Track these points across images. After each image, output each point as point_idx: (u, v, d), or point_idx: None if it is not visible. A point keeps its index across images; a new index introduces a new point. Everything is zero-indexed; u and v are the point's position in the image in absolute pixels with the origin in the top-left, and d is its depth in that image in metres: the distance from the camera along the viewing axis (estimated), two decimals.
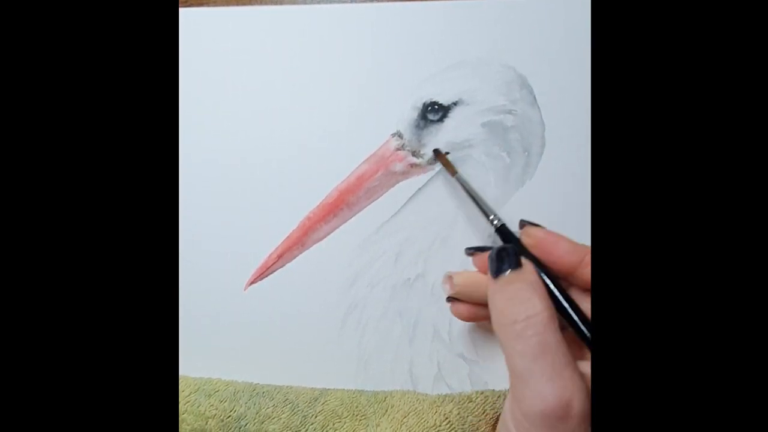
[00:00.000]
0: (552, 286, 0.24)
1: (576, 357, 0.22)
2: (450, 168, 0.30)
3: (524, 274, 0.23)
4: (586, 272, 0.24)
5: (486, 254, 0.25)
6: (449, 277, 0.27)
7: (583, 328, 0.23)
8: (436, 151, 0.31)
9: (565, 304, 0.24)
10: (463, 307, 0.27)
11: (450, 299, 0.28)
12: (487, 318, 0.24)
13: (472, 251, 0.27)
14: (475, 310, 0.27)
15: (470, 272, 0.27)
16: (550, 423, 0.20)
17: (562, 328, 0.22)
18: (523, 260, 0.24)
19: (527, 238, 0.26)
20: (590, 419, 0.20)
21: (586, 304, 0.25)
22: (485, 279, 0.25)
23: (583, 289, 0.25)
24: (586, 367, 0.23)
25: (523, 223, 0.26)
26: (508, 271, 0.23)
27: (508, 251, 0.24)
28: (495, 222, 0.27)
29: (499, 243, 0.28)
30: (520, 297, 0.22)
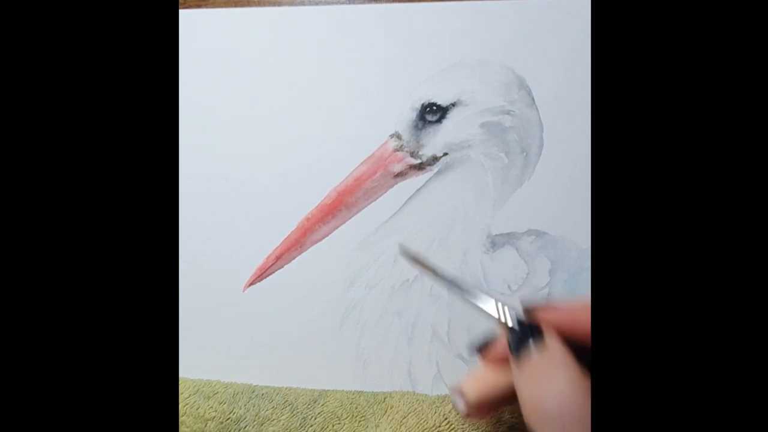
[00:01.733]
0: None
1: None
2: (428, 271, 0.26)
3: (551, 354, 0.21)
4: None
5: (497, 351, 0.23)
6: (459, 392, 0.24)
7: None
8: (407, 253, 0.27)
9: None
10: (473, 410, 0.24)
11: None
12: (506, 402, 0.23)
13: (480, 348, 0.24)
14: (485, 410, 0.25)
15: (477, 375, 0.24)
16: None
17: None
18: (546, 335, 0.21)
19: (538, 319, 0.22)
20: None
21: None
22: (496, 376, 0.23)
23: None
24: None
25: (528, 309, 0.23)
26: (536, 353, 0.21)
27: (529, 328, 0.22)
28: (506, 318, 0.23)
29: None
30: (550, 380, 0.20)
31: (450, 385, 0.26)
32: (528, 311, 0.23)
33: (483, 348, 0.24)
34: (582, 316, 0.22)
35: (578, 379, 0.20)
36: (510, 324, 0.23)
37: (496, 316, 0.23)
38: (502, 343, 0.23)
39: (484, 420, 0.27)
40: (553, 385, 0.20)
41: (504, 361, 0.23)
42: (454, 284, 0.24)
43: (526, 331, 0.22)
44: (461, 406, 0.24)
